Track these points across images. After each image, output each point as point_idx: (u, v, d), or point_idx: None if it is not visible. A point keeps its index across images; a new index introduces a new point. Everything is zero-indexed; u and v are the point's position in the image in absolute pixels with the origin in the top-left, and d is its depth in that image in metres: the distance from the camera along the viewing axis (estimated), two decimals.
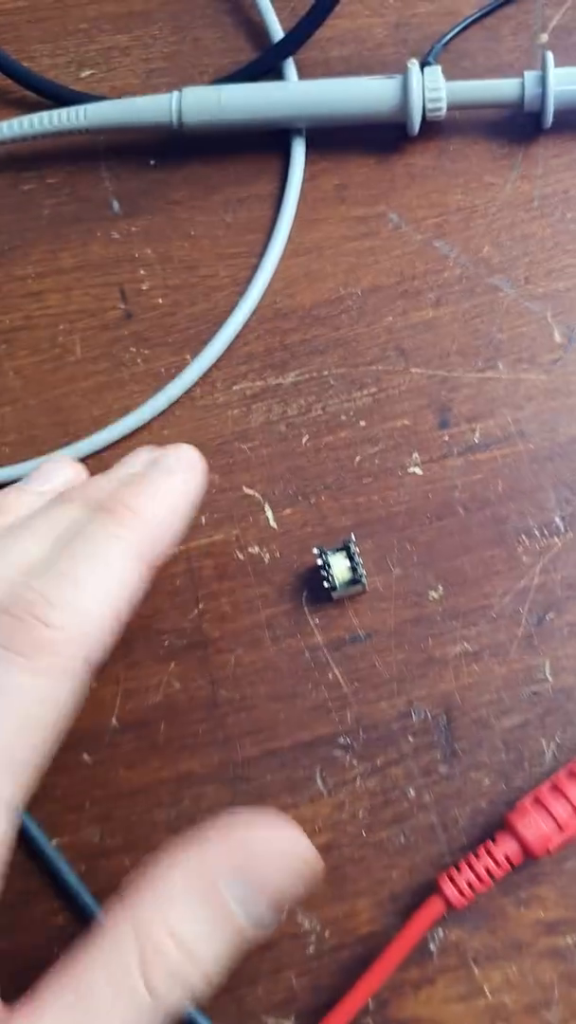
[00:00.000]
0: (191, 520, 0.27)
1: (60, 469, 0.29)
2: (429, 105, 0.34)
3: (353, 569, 0.30)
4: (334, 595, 0.30)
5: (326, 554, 0.30)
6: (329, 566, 0.30)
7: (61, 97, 0.36)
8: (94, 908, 0.28)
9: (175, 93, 0.34)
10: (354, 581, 0.30)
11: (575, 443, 0.32)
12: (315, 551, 0.30)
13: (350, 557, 0.30)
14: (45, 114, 0.34)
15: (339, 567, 0.30)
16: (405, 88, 0.33)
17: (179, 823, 0.29)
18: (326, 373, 0.33)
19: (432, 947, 0.28)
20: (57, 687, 0.22)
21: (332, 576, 0.30)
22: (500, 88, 0.34)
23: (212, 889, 0.21)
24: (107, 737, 0.30)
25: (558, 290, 0.34)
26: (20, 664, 0.22)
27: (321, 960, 0.28)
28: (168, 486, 0.26)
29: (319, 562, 0.30)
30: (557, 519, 0.31)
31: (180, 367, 0.33)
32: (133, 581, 0.24)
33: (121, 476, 0.27)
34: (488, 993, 0.27)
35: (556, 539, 0.31)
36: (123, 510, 0.25)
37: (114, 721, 0.30)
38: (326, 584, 0.30)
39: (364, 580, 0.30)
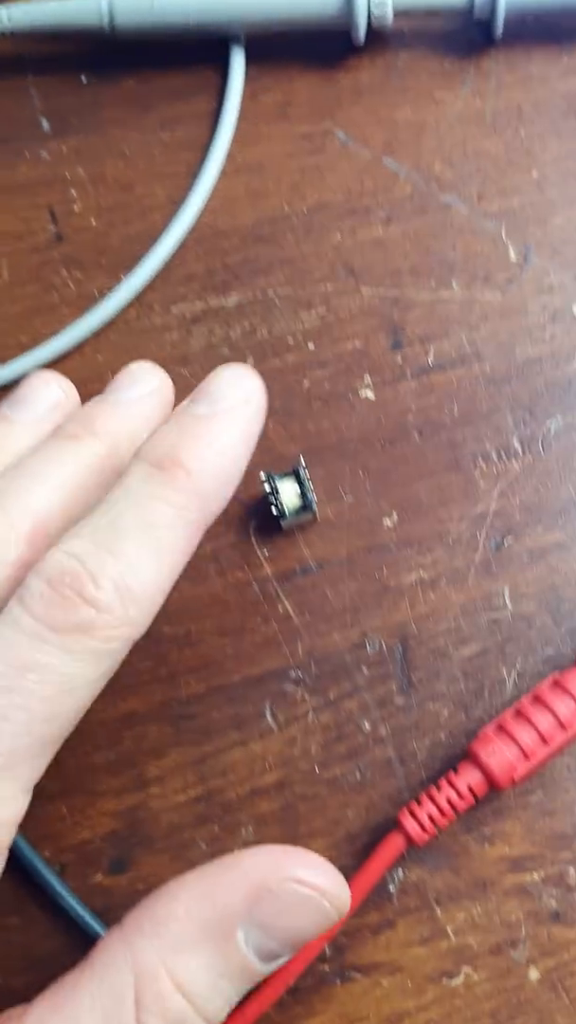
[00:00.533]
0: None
1: (43, 391, 0.26)
2: (375, 11, 0.32)
3: (303, 496, 0.28)
4: (283, 524, 0.28)
5: (274, 479, 0.28)
6: (277, 492, 0.28)
7: None
8: (28, 855, 0.26)
9: None
10: (304, 508, 0.28)
11: (531, 364, 0.30)
12: (262, 476, 0.28)
13: (300, 483, 0.28)
14: None
15: (288, 494, 0.28)
16: None
17: (119, 766, 0.27)
18: (271, 294, 0.31)
19: (391, 888, 0.26)
20: (93, 671, 0.20)
21: (281, 503, 0.28)
22: None
23: (228, 937, 0.19)
24: None
25: (512, 208, 0.32)
26: (56, 643, 0.19)
27: None
28: (229, 436, 0.21)
29: (267, 488, 0.28)
30: (515, 442, 0.29)
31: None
32: (185, 554, 0.21)
33: (131, 411, 0.25)
34: (452, 934, 0.26)
35: (514, 462, 0.29)
36: (177, 469, 0.21)
37: None
38: (274, 512, 0.28)
39: (315, 507, 0.28)
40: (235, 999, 0.20)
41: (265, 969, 0.20)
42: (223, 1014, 0.19)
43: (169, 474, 0.21)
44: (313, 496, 0.28)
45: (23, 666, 0.19)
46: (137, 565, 0.20)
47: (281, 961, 0.20)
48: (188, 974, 0.19)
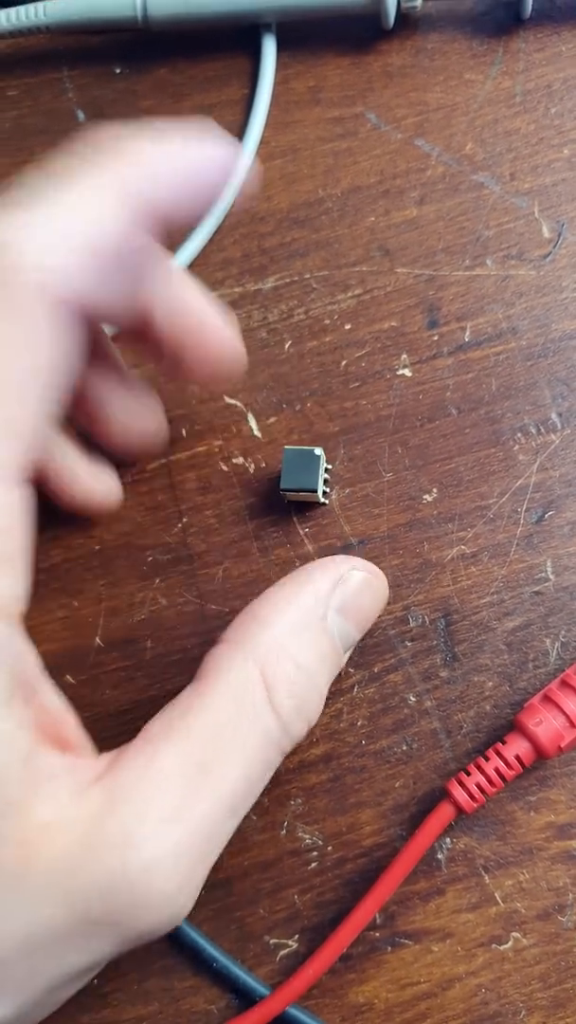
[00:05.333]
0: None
1: None
2: None
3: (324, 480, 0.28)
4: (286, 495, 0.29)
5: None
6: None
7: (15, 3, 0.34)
8: None
9: None
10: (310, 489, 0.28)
11: (568, 338, 0.30)
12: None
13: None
14: (0, 12, 0.32)
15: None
16: None
17: None
18: (308, 276, 0.32)
19: (440, 857, 0.26)
20: (22, 325, 0.18)
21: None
22: None
23: (322, 620, 0.22)
24: (91, 657, 0.28)
25: (544, 185, 0.32)
26: None
27: (324, 876, 0.27)
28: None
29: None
30: (553, 415, 0.30)
31: None
32: (114, 226, 0.20)
33: None
34: (500, 900, 0.26)
35: (553, 436, 0.29)
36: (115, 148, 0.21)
37: (98, 640, 0.29)
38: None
39: (318, 491, 0.28)
40: (329, 684, 0.22)
41: (344, 658, 0.23)
42: (325, 694, 0.22)
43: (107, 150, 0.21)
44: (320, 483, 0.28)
45: None
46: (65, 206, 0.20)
47: (352, 648, 0.23)
48: (301, 655, 0.21)
